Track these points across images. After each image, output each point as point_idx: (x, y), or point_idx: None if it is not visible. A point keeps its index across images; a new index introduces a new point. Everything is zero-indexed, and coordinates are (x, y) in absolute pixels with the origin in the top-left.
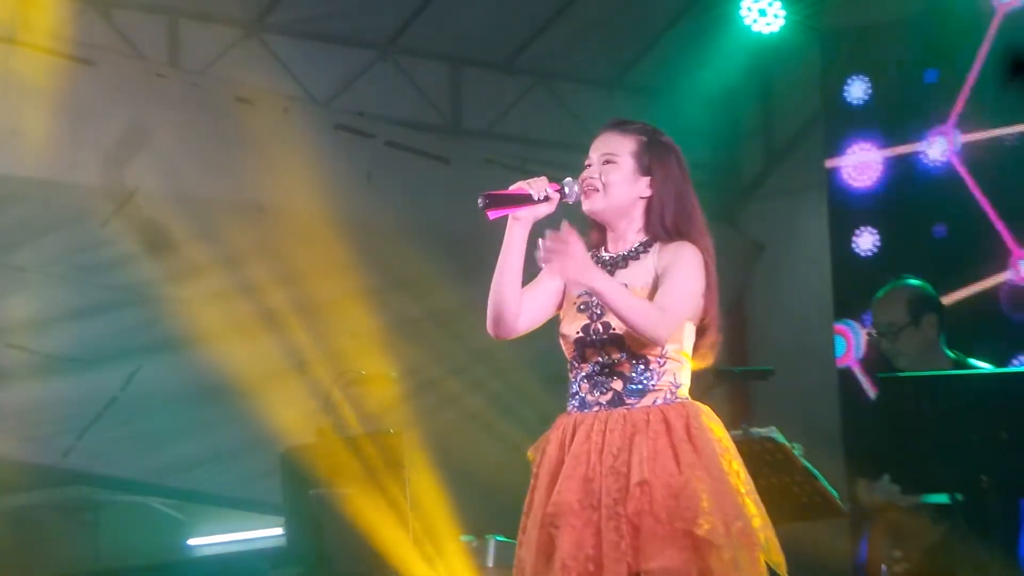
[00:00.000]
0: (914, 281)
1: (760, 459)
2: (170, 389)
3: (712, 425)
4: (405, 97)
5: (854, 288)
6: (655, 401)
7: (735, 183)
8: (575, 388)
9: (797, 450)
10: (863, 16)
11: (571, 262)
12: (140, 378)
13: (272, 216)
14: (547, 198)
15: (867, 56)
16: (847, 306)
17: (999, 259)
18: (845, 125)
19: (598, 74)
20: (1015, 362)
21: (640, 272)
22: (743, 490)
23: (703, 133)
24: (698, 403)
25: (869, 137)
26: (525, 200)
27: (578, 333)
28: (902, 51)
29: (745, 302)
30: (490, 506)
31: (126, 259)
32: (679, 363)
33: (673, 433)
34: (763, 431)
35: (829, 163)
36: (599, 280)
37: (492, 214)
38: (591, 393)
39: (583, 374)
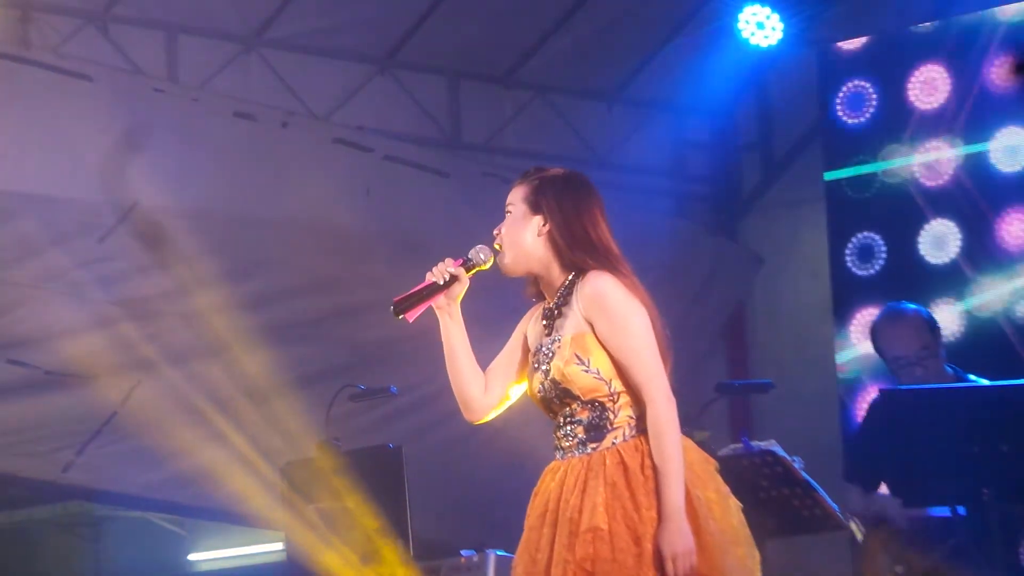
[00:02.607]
0: (913, 304)
1: (760, 472)
2: (170, 404)
3: (648, 463)
4: (404, 111)
5: (854, 300)
6: (614, 441)
7: (734, 196)
8: (553, 439)
9: (797, 463)
10: (860, 29)
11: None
12: (140, 393)
13: (271, 230)
14: (454, 278)
15: (865, 68)
16: (847, 318)
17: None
18: (843, 138)
19: (597, 87)
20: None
21: (571, 318)
22: (715, 516)
23: (702, 146)
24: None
25: (867, 149)
26: (434, 290)
27: (538, 392)
28: (901, 63)
29: (745, 315)
30: (489, 520)
31: (125, 274)
32: (630, 396)
33: (629, 474)
34: (763, 444)
35: (828, 176)
36: (678, 506)
37: (410, 316)
38: (563, 441)
39: (555, 425)
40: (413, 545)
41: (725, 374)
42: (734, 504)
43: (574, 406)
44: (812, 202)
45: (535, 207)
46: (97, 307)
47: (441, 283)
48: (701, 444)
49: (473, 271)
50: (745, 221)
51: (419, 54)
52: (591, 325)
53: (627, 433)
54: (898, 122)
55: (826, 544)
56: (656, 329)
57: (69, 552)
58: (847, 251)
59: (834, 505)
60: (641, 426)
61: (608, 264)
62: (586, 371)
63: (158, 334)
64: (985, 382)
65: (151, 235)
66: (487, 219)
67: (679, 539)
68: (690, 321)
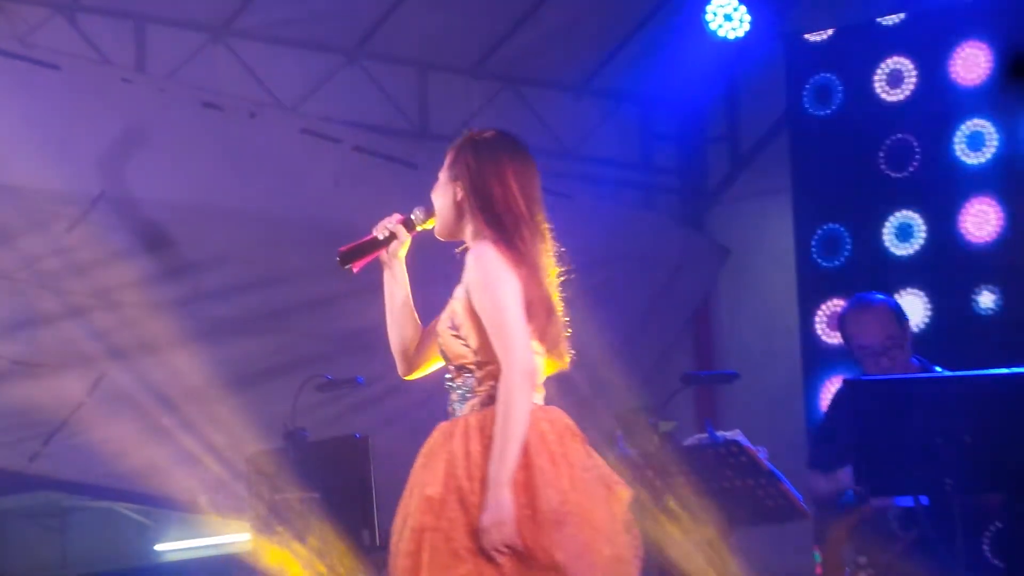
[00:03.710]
0: (882, 295)
1: (724, 462)
2: (137, 394)
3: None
4: (372, 102)
5: (819, 292)
6: (472, 409)
7: (701, 188)
8: None
9: (762, 453)
10: (828, 21)
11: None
12: (107, 383)
13: (239, 221)
14: (392, 236)
15: (832, 60)
16: (813, 309)
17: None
18: (810, 130)
19: (565, 78)
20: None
21: (460, 285)
22: (561, 493)
23: (669, 137)
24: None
25: (834, 142)
26: (375, 244)
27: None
28: (867, 56)
29: (711, 306)
30: None
31: (91, 264)
32: (498, 364)
33: (471, 444)
34: (728, 434)
35: (794, 167)
36: (503, 468)
37: (356, 267)
38: (447, 405)
39: None
40: (379, 535)
41: (691, 365)
42: (620, 492)
43: (451, 370)
44: (779, 194)
45: (453, 174)
46: (65, 297)
47: (381, 238)
48: (667, 435)
49: (414, 230)
50: (712, 213)
51: (387, 45)
52: (468, 293)
53: (485, 401)
54: (865, 114)
55: (790, 534)
56: (539, 301)
57: (36, 542)
58: (813, 243)
59: (798, 495)
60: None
61: (502, 232)
62: (456, 336)
63: (125, 325)
64: (948, 373)
65: (118, 226)
66: None
67: (492, 511)
68: (657, 312)
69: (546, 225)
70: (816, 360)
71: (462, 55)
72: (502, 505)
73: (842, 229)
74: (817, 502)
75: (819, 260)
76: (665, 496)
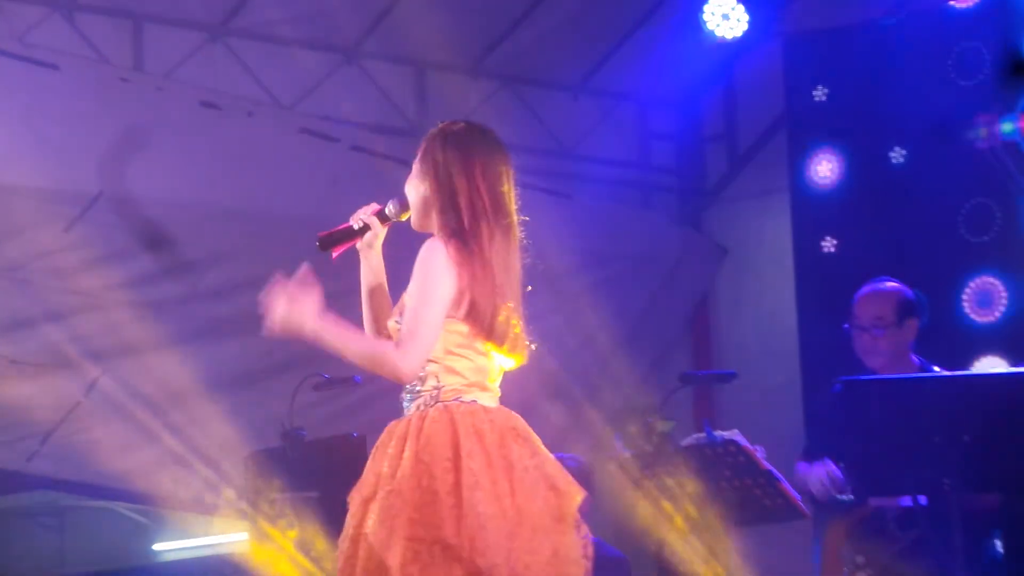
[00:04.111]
0: (895, 282)
1: (722, 462)
2: (134, 393)
3: (435, 431)
4: (370, 101)
5: (818, 290)
6: (417, 408)
7: (699, 187)
8: None
9: (760, 453)
10: (826, 20)
11: (284, 312)
12: (104, 383)
13: (237, 220)
14: (367, 226)
15: (830, 60)
16: (811, 308)
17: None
18: (808, 129)
19: (563, 78)
20: (974, 364)
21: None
22: (491, 492)
23: (667, 137)
24: (460, 404)
25: (832, 141)
26: (351, 233)
27: None
28: (865, 55)
29: (710, 305)
30: None
31: (89, 263)
32: (443, 365)
33: (407, 444)
34: (726, 434)
35: (792, 167)
36: (318, 330)
37: (335, 253)
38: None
39: None
40: None
41: (690, 364)
42: (568, 491)
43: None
44: (777, 193)
45: (423, 167)
46: (62, 296)
47: (356, 228)
48: (665, 434)
49: (388, 222)
50: (710, 212)
51: (385, 44)
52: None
53: (428, 402)
54: (864, 112)
55: (788, 534)
56: (485, 299)
57: (34, 541)
58: (812, 241)
59: (797, 495)
60: (447, 396)
61: (459, 228)
62: (400, 331)
63: (123, 324)
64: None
65: (116, 225)
66: None
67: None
68: (655, 312)
69: (514, 219)
70: (815, 359)
71: (460, 54)
72: (301, 312)
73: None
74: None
75: (818, 259)
76: (663, 496)
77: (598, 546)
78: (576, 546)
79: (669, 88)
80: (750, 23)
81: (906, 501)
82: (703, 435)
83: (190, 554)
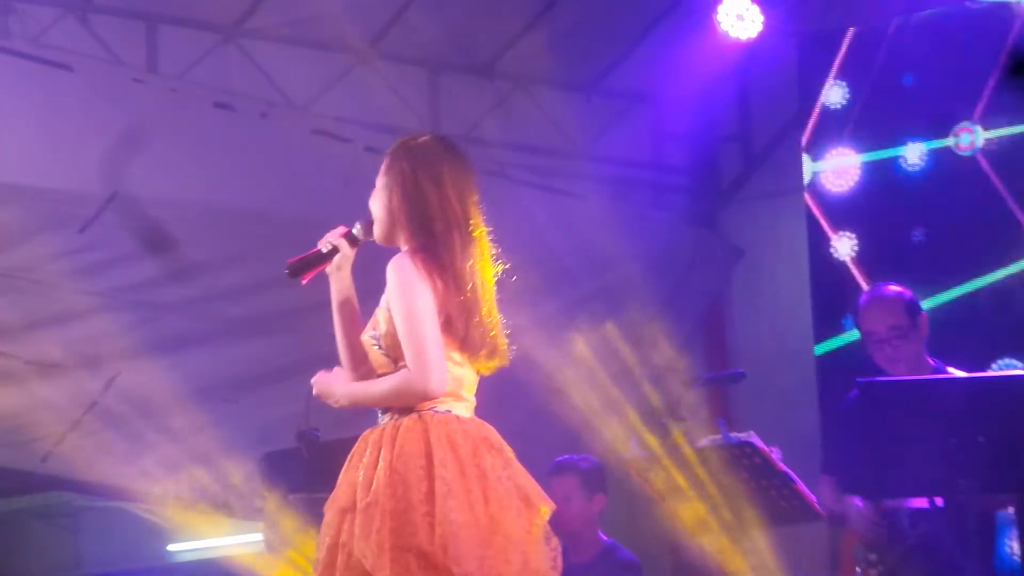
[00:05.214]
0: (897, 286)
1: (738, 463)
2: (150, 394)
3: (409, 440)
4: (383, 102)
5: (833, 292)
6: (391, 417)
7: (714, 187)
8: None
9: (776, 454)
10: (840, 20)
11: (326, 394)
12: (120, 383)
13: (250, 221)
14: (336, 249)
15: (845, 61)
16: (826, 310)
17: (976, 263)
18: (823, 130)
19: (576, 79)
20: (993, 366)
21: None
22: (463, 501)
23: (681, 137)
24: (434, 415)
25: (847, 141)
26: (320, 257)
27: None
28: (880, 55)
29: (724, 306)
30: None
31: (106, 264)
32: None
33: (383, 454)
34: (741, 436)
35: (807, 167)
36: (346, 395)
37: (305, 279)
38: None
39: None
40: None
41: (704, 365)
42: (538, 504)
43: (376, 378)
44: (791, 194)
45: (388, 180)
46: (78, 297)
47: (324, 251)
48: (680, 436)
49: (357, 243)
50: (724, 212)
51: (399, 45)
52: (388, 303)
53: (401, 411)
54: (880, 114)
55: (804, 535)
56: (458, 309)
57: (49, 542)
58: (826, 242)
59: (812, 496)
60: (421, 406)
61: (429, 239)
62: (376, 347)
63: (138, 324)
64: (963, 374)
65: (131, 225)
66: None
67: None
68: (669, 312)
69: (482, 229)
70: (830, 360)
71: (473, 55)
72: (334, 382)
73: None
74: (825, 511)
75: (832, 260)
76: (678, 497)
77: (612, 549)
78: (546, 558)
79: (683, 89)
80: (764, 24)
81: (920, 501)
82: (719, 436)
83: (205, 555)
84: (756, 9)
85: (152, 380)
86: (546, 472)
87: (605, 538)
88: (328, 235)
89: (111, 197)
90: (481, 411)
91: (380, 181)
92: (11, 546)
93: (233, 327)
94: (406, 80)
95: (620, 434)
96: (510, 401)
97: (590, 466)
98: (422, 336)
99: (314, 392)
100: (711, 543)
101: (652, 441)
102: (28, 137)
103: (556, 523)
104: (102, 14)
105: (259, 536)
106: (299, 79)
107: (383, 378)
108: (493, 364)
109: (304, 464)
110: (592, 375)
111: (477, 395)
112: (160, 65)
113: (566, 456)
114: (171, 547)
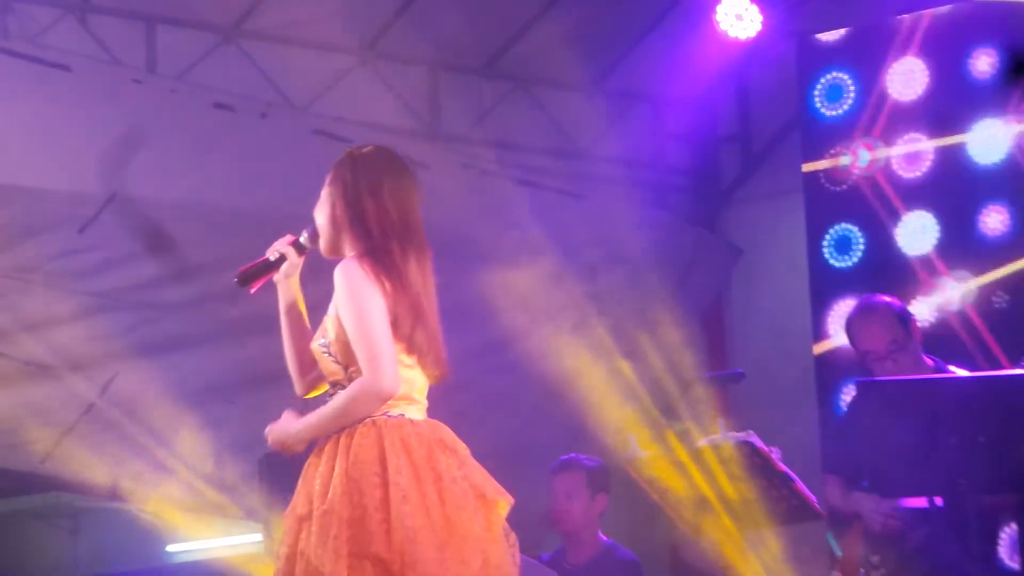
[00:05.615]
0: (886, 297)
1: (738, 464)
2: (148, 395)
3: (363, 446)
4: (383, 102)
5: (832, 292)
6: (346, 428)
7: (713, 188)
8: None
9: (775, 454)
10: (839, 20)
11: (283, 441)
12: (118, 384)
13: (251, 222)
14: (283, 257)
15: (844, 61)
16: (825, 310)
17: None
18: (822, 130)
19: (576, 78)
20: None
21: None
22: (419, 505)
23: (681, 137)
24: (388, 419)
25: (845, 141)
26: (268, 266)
27: None
28: (879, 55)
29: (723, 306)
30: None
31: (105, 265)
32: None
33: (337, 462)
34: (741, 435)
35: (806, 168)
36: (300, 431)
37: (253, 288)
38: None
39: None
40: None
41: (703, 365)
42: (496, 500)
43: (329, 387)
44: (791, 194)
45: (331, 191)
46: (76, 297)
47: (272, 260)
48: (679, 435)
49: (304, 251)
50: (724, 212)
51: (399, 45)
52: (336, 310)
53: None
54: (877, 114)
55: (804, 535)
56: (405, 312)
57: (47, 543)
58: (824, 243)
59: (812, 496)
60: (374, 414)
61: (371, 245)
62: (327, 354)
63: (137, 325)
64: (964, 373)
65: (130, 226)
66: (466, 210)
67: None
68: (668, 312)
69: (424, 239)
70: (829, 360)
71: (473, 55)
72: (288, 432)
73: (854, 229)
74: (830, 512)
75: (831, 261)
76: (678, 497)
77: (612, 549)
78: (506, 554)
79: (683, 88)
80: (763, 23)
81: (920, 501)
82: (718, 436)
83: (204, 556)
84: (755, 9)
85: (151, 380)
86: (549, 470)
87: (605, 538)
88: (276, 243)
89: (110, 198)
90: (481, 411)
91: (324, 192)
92: (10, 546)
93: (232, 328)
94: (406, 80)
95: (619, 434)
96: (510, 401)
97: (595, 465)
98: (374, 337)
99: (270, 442)
100: (711, 543)
101: (651, 441)
102: (28, 137)
103: (557, 521)
104: (101, 14)
105: (257, 537)
106: (299, 79)
107: (334, 397)
108: (437, 373)
109: (304, 464)
110: (592, 375)
111: (477, 396)
112: (159, 65)
113: (572, 454)
114: (169, 548)
